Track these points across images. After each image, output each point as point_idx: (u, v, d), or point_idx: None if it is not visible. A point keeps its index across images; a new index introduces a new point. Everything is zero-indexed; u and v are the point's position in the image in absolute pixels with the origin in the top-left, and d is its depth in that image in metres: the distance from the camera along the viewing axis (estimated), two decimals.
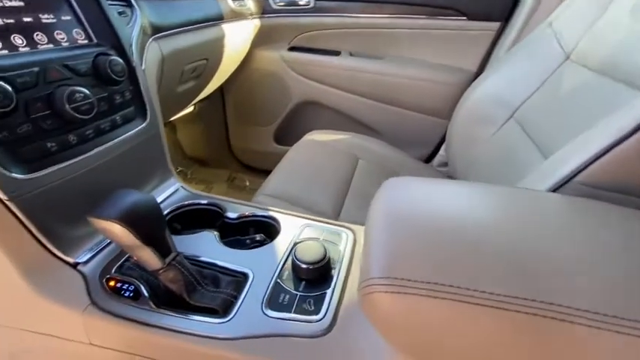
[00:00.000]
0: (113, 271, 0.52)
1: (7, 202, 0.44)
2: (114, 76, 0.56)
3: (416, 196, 0.44)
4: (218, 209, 0.68)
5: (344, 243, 0.59)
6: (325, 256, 0.51)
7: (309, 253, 0.51)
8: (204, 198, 0.71)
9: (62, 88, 0.49)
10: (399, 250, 0.35)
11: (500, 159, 0.84)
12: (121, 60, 0.58)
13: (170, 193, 0.72)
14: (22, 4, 0.49)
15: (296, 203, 0.86)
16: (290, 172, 0.99)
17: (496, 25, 1.18)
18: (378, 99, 1.37)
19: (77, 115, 0.50)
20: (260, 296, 0.48)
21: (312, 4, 1.35)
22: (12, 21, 0.47)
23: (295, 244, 0.58)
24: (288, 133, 1.61)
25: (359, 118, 1.45)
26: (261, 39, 1.42)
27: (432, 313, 0.32)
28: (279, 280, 0.51)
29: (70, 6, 0.55)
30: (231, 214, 0.66)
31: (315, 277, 0.51)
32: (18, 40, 0.48)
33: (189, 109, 1.54)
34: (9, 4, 0.47)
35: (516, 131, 0.84)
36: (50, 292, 0.48)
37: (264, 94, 1.52)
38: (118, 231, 0.42)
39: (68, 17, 0.55)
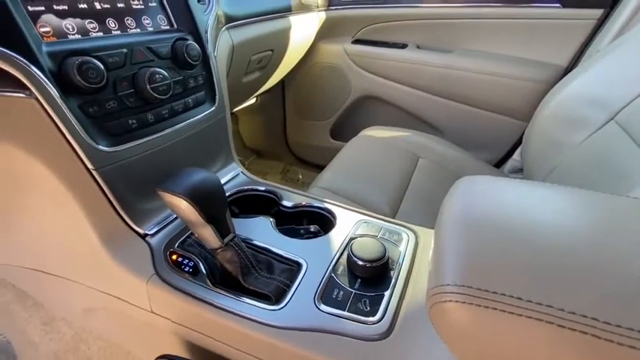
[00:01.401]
0: (176, 245, 0.54)
1: (93, 172, 0.48)
2: (189, 60, 0.59)
3: (496, 197, 0.38)
4: (275, 197, 0.69)
5: (404, 244, 0.55)
6: (384, 255, 0.48)
7: (367, 250, 0.48)
8: (262, 185, 0.72)
9: (145, 69, 0.53)
10: (478, 257, 0.31)
11: (595, 166, 0.72)
12: (197, 45, 0.61)
13: (231, 177, 0.74)
14: None
15: (351, 198, 0.83)
16: (346, 167, 0.96)
17: (598, 12, 1.01)
18: (445, 95, 1.28)
19: (155, 95, 0.53)
20: (313, 288, 0.47)
21: None
22: (108, 6, 0.52)
23: (351, 239, 0.55)
24: (344, 129, 1.58)
25: (421, 115, 1.37)
26: (326, 32, 1.41)
27: (516, 332, 0.27)
28: (333, 275, 0.49)
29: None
30: (287, 203, 0.66)
31: (371, 275, 0.47)
32: (112, 23, 0.52)
33: (252, 101, 1.60)
34: None
35: (618, 136, 0.71)
36: (121, 259, 0.52)
37: (324, 88, 1.52)
38: (184, 206, 0.44)
39: (154, 4, 0.59)
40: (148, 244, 0.54)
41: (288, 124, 1.71)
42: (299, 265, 0.51)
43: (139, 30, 0.56)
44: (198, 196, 0.44)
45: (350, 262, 0.49)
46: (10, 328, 0.81)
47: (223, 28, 0.80)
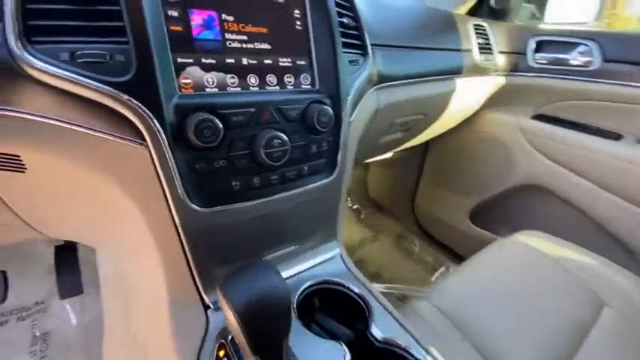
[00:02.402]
0: (230, 337, 0.45)
1: (180, 230, 0.45)
2: (318, 127, 0.51)
3: None
4: (365, 308, 0.52)
5: None
6: None
7: None
8: (357, 283, 0.57)
9: (265, 132, 0.47)
10: None
11: None
12: (331, 111, 0.53)
13: (327, 258, 0.62)
14: (269, 47, 0.50)
15: (479, 344, 0.58)
16: (482, 285, 0.70)
17: None
18: None
19: (268, 160, 0.47)
20: None
21: (595, 66, 0.98)
22: (254, 62, 0.49)
23: None
24: (490, 216, 1.26)
25: (613, 229, 0.94)
26: (498, 100, 1.17)
27: None
28: None
29: (309, 52, 0.54)
30: (378, 332, 0.48)
31: None
32: (252, 79, 0.49)
33: (387, 154, 1.48)
34: (259, 46, 0.49)
35: None
36: (176, 326, 0.47)
37: (477, 161, 1.25)
38: (232, 323, 0.33)
39: (303, 62, 0.54)
40: (207, 319, 0.47)
41: (421, 187, 1.51)
42: None
43: (277, 88, 0.52)
44: (252, 316, 0.33)
45: None
46: None
47: (372, 89, 0.71)
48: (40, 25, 0.35)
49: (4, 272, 0.80)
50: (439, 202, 1.43)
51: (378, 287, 1.25)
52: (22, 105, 0.36)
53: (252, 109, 0.47)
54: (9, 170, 0.41)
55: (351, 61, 0.60)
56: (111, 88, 0.37)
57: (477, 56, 1.05)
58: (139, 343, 0.54)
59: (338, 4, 0.59)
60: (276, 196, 0.51)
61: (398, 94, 0.81)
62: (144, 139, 0.40)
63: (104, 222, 0.50)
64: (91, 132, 0.38)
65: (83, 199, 0.46)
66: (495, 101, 1.19)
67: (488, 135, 1.21)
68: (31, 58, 0.34)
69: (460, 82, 1.00)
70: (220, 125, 0.42)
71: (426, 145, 1.42)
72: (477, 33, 1.08)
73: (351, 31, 0.62)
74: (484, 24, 1.13)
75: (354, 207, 1.70)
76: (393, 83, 0.77)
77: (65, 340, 0.95)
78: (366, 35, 0.65)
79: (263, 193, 0.50)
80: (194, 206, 0.44)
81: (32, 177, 0.42)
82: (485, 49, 1.09)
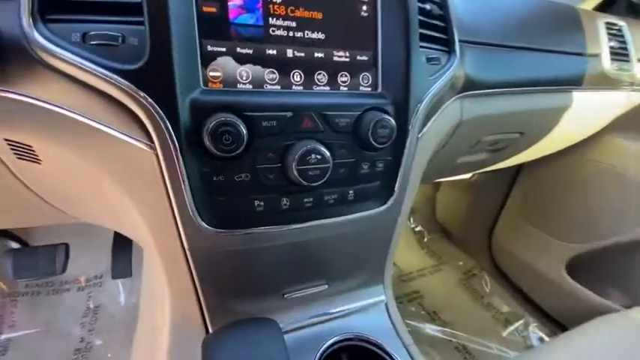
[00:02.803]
0: None
1: (187, 251, 0.37)
2: (373, 141, 0.39)
3: None
4: None
5: None
6: None
7: None
8: (397, 347, 0.43)
9: (303, 143, 0.37)
10: None
11: None
12: (392, 122, 0.40)
13: (367, 304, 0.49)
14: (322, 37, 0.40)
15: None
16: None
17: None
18: None
19: (301, 179, 0.37)
20: None
21: None
22: (302, 55, 0.39)
23: None
24: (595, 270, 0.97)
25: None
26: (628, 123, 0.89)
27: None
28: None
29: (375, 44, 0.43)
30: None
31: None
32: (297, 76, 0.39)
33: (465, 175, 1.27)
34: (310, 35, 0.39)
35: None
36: (173, 353, 0.40)
37: (588, 198, 0.98)
38: None
39: (364, 57, 0.42)
40: None
41: (503, 218, 1.26)
42: None
43: (327, 88, 0.41)
44: None
45: None
46: None
47: (454, 97, 0.56)
48: (56, 1, 0.30)
49: (66, 245, 0.85)
50: (526, 241, 1.16)
51: (433, 330, 1.06)
52: (30, 89, 0.32)
53: (289, 114, 0.37)
54: (27, 160, 0.38)
55: (430, 60, 0.46)
56: (118, 77, 0.30)
57: (606, 64, 0.79)
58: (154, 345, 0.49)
59: None
60: (309, 224, 0.41)
61: (489, 105, 0.63)
62: (152, 140, 0.33)
63: (121, 222, 0.46)
64: (98, 125, 0.33)
65: (100, 198, 0.42)
66: (624, 124, 0.90)
67: (608, 167, 0.93)
68: (41, 40, 0.29)
69: (578, 96, 0.77)
70: (244, 131, 0.33)
71: (518, 168, 1.17)
72: (609, 34, 0.83)
73: (434, 21, 0.48)
74: (620, 23, 0.86)
75: (417, 228, 1.51)
76: (484, 91, 0.60)
77: (111, 318, 1.00)
78: (455, 27, 0.50)
79: (292, 217, 0.40)
80: (205, 226, 0.36)
81: (49, 168, 0.39)
82: (619, 55, 0.83)
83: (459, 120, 0.59)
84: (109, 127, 0.33)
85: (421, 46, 0.44)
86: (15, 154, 0.37)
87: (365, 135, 0.40)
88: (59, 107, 0.32)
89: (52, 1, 0.30)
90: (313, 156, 0.37)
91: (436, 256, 1.41)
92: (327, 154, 0.38)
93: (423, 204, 1.53)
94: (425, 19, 0.46)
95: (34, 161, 0.38)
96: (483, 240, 1.33)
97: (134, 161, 0.34)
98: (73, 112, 0.33)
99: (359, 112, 0.40)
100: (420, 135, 0.46)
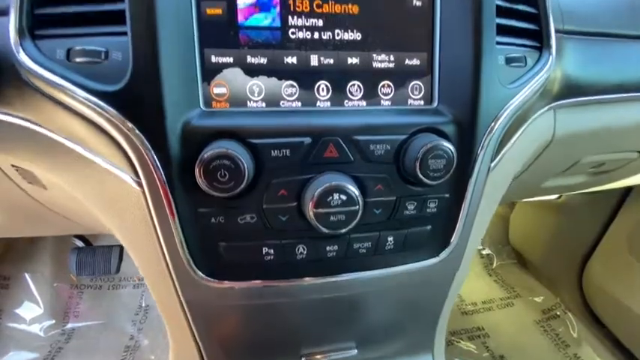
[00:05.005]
0: None
1: (184, 305, 0.31)
2: (421, 176, 0.29)
3: None
4: None
5: None
6: None
7: None
8: None
9: (324, 178, 0.29)
10: None
11: None
12: (451, 149, 0.29)
13: None
14: (358, 37, 0.31)
15: None
16: None
17: None
18: None
19: (321, 226, 0.28)
20: None
21: None
22: (330, 61, 0.30)
23: None
24: None
25: None
26: None
27: None
28: None
29: (430, 43, 0.32)
30: None
31: None
32: (322, 90, 0.31)
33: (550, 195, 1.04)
34: (342, 36, 0.30)
35: None
36: None
37: None
38: None
39: (416, 61, 0.32)
40: None
41: (601, 251, 1.01)
42: None
43: (363, 103, 0.32)
44: None
45: None
46: None
47: (545, 108, 0.41)
48: (44, 15, 0.26)
49: (121, 247, 0.89)
50: (630, 281, 0.91)
51: None
52: (21, 111, 0.29)
53: (306, 140, 0.29)
54: (34, 184, 0.36)
55: (511, 60, 0.33)
56: (97, 100, 0.25)
57: None
58: None
59: None
60: (333, 279, 0.32)
61: (594, 116, 0.46)
62: (138, 174, 0.27)
63: None
64: (85, 152, 0.29)
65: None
66: None
67: None
68: (26, 60, 0.26)
69: None
70: (245, 165, 0.26)
71: (625, 191, 0.92)
72: None
73: (519, 6, 0.35)
74: None
75: (484, 251, 1.30)
76: (588, 98, 0.44)
77: (158, 318, 1.03)
78: (550, 12, 0.36)
79: (310, 270, 0.32)
80: (202, 276, 0.30)
81: (54, 193, 0.36)
82: None
83: (551, 137, 0.44)
84: (96, 155, 0.28)
85: (498, 43, 0.32)
86: (23, 178, 0.36)
87: (411, 166, 0.29)
88: (49, 131, 0.29)
89: (39, 16, 0.27)
90: (336, 196, 0.28)
91: (507, 286, 1.19)
92: (356, 193, 0.28)
93: (493, 222, 1.31)
94: (505, 4, 0.33)
95: (40, 186, 0.36)
96: (572, 274, 1.08)
97: (122, 197, 0.29)
98: (62, 137, 0.29)
99: (404, 136, 0.30)
100: (492, 165, 0.34)
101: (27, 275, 1.03)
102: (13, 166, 0.34)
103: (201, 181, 0.26)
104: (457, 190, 0.32)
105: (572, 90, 0.43)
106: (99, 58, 0.26)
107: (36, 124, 0.29)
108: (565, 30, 0.41)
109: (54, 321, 1.02)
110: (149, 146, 0.26)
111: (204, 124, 0.27)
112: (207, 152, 0.25)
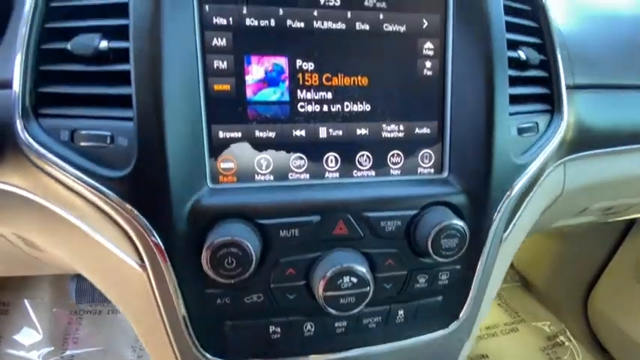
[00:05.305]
0: None
1: None
2: (435, 256, 0.28)
3: None
4: None
5: None
6: None
7: None
8: None
9: (333, 257, 0.28)
10: None
11: None
12: (464, 228, 0.28)
13: None
14: (367, 108, 0.30)
15: None
16: None
17: None
18: None
19: (330, 309, 0.27)
20: None
21: None
22: (339, 133, 0.30)
23: None
24: None
25: None
26: None
27: None
28: None
29: (441, 112, 0.31)
30: None
31: None
32: (331, 161, 0.30)
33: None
34: (351, 108, 0.30)
35: None
36: None
37: None
38: None
39: (426, 130, 0.31)
40: None
41: (606, 279, 0.99)
42: None
43: (373, 173, 0.31)
44: None
45: None
46: None
47: (557, 163, 0.41)
48: (48, 93, 0.26)
49: None
50: (637, 311, 0.89)
51: None
52: (22, 183, 0.28)
53: (316, 218, 0.28)
54: (35, 249, 0.35)
55: (522, 130, 0.33)
56: (101, 186, 0.25)
57: None
58: None
59: (514, 26, 0.33)
60: (340, 355, 0.31)
61: (604, 167, 0.45)
62: (142, 258, 0.27)
63: None
64: (88, 229, 0.28)
65: None
66: None
67: None
68: (29, 139, 0.25)
69: None
70: (251, 252, 0.25)
71: (630, 223, 0.91)
72: None
73: (531, 73, 0.34)
74: None
75: None
76: (598, 151, 0.44)
77: None
78: (562, 76, 0.36)
79: (318, 347, 0.31)
80: (209, 357, 0.29)
81: (54, 255, 0.36)
82: None
83: (560, 192, 0.43)
84: (98, 234, 0.28)
85: (513, 114, 0.31)
86: (25, 244, 0.35)
87: (423, 244, 0.29)
88: (50, 203, 0.28)
89: (43, 94, 0.26)
90: (346, 279, 0.27)
91: (512, 311, 1.18)
92: (367, 275, 0.27)
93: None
94: (517, 74, 0.32)
95: (40, 250, 0.35)
96: (577, 300, 1.07)
97: (125, 275, 0.28)
98: (64, 211, 0.28)
99: (415, 211, 0.29)
100: (505, 236, 0.33)
101: (26, 301, 1.01)
102: (14, 233, 0.33)
103: (207, 268, 0.25)
104: (469, 262, 0.32)
105: (583, 143, 0.42)
106: (104, 142, 0.25)
107: (37, 195, 0.28)
108: (575, 85, 0.41)
109: (53, 347, 1.00)
110: (154, 232, 0.25)
111: (211, 204, 0.26)
112: (215, 240, 0.25)
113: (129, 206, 0.25)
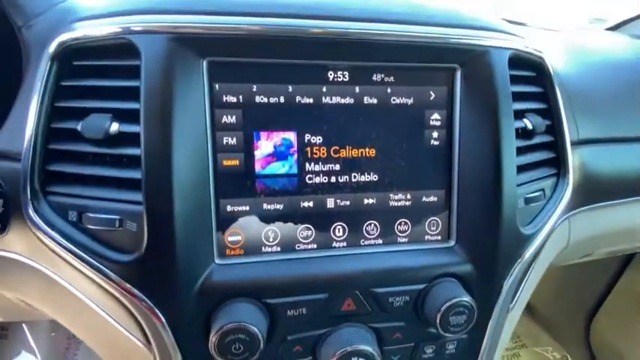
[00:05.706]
0: None
1: None
2: (443, 332, 0.28)
3: None
4: None
5: None
6: None
7: None
8: None
9: (343, 334, 0.28)
10: None
11: None
12: (471, 305, 0.28)
13: None
14: (375, 178, 0.30)
15: None
16: None
17: None
18: None
19: None
20: None
21: None
22: (346, 203, 0.30)
23: None
24: None
25: None
26: None
27: None
28: None
29: (449, 181, 0.31)
30: None
31: None
32: (338, 231, 0.30)
33: None
34: (358, 179, 0.30)
35: None
36: None
37: None
38: None
39: (433, 198, 0.31)
40: None
41: (608, 307, 0.99)
42: None
43: (380, 242, 0.31)
44: None
45: None
46: None
47: (561, 220, 0.40)
48: (57, 172, 0.26)
49: None
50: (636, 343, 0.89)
51: None
52: (28, 254, 0.28)
53: (323, 296, 0.28)
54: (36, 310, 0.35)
55: (529, 200, 0.33)
56: (108, 271, 0.25)
57: None
58: None
59: (520, 95, 0.33)
60: None
61: (607, 218, 0.45)
62: (149, 340, 0.26)
63: None
64: (94, 306, 0.28)
65: None
66: None
67: None
68: (37, 219, 0.25)
69: None
70: (259, 337, 0.25)
71: (629, 257, 0.91)
72: None
73: (537, 140, 0.34)
74: None
75: None
76: (603, 204, 0.44)
77: None
78: (567, 140, 0.36)
79: None
80: None
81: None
82: None
83: (566, 244, 0.43)
84: (104, 312, 0.28)
85: (521, 185, 0.31)
86: (25, 303, 0.35)
87: (431, 319, 0.28)
88: (53, 274, 0.28)
89: (52, 173, 0.26)
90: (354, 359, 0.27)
91: (514, 336, 1.17)
92: (375, 354, 0.27)
93: None
94: (524, 143, 0.33)
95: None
96: (579, 327, 1.06)
97: (131, 354, 0.28)
98: (68, 283, 0.28)
99: (423, 285, 0.29)
100: (512, 305, 0.33)
101: (24, 326, 1.00)
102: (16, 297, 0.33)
103: (215, 354, 0.25)
104: (476, 332, 0.31)
105: (587, 197, 0.42)
106: (113, 226, 0.25)
107: (41, 265, 0.28)
108: (580, 140, 0.41)
109: None
110: (160, 314, 0.25)
111: (218, 283, 0.26)
112: (222, 325, 0.25)
113: (136, 291, 0.25)
